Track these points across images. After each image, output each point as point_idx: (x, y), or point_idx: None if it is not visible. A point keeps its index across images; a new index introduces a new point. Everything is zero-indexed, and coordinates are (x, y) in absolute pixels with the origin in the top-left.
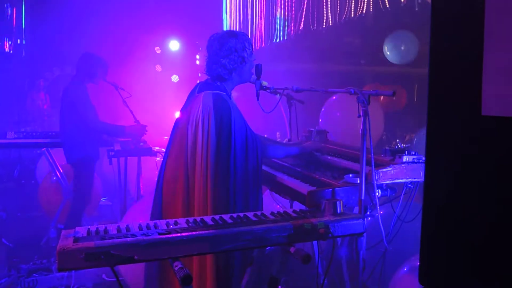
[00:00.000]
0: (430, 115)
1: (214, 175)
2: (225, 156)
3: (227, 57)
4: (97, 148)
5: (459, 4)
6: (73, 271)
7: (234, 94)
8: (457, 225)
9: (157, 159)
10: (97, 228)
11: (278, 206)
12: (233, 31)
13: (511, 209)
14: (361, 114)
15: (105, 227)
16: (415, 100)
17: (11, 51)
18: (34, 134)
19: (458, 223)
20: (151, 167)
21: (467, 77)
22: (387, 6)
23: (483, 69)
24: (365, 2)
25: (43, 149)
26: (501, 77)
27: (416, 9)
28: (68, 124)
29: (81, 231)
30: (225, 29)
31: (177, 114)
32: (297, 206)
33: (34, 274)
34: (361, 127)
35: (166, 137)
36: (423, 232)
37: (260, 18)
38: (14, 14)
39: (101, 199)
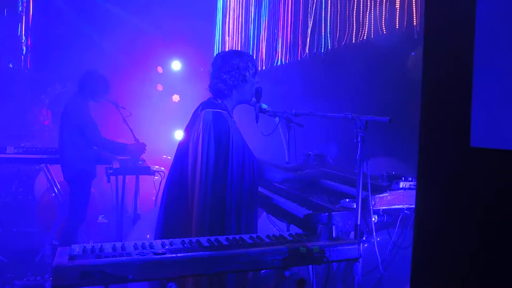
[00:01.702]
0: (421, 144)
1: (212, 194)
2: (222, 175)
3: (228, 73)
4: (94, 165)
5: (450, 37)
6: None
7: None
8: (446, 252)
9: (155, 178)
10: (93, 246)
11: (275, 229)
12: (238, 51)
13: (497, 237)
14: (358, 140)
15: (101, 246)
16: None
17: (14, 67)
18: (33, 149)
19: (447, 250)
20: (149, 186)
21: (457, 108)
22: (385, 32)
23: (472, 101)
24: (366, 28)
25: (41, 165)
26: (490, 109)
27: (416, 37)
28: (67, 140)
29: (77, 248)
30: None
31: (177, 134)
32: (294, 229)
33: None
34: (358, 153)
35: (165, 156)
36: (413, 258)
37: (262, 41)
38: (18, 30)
39: (99, 217)
